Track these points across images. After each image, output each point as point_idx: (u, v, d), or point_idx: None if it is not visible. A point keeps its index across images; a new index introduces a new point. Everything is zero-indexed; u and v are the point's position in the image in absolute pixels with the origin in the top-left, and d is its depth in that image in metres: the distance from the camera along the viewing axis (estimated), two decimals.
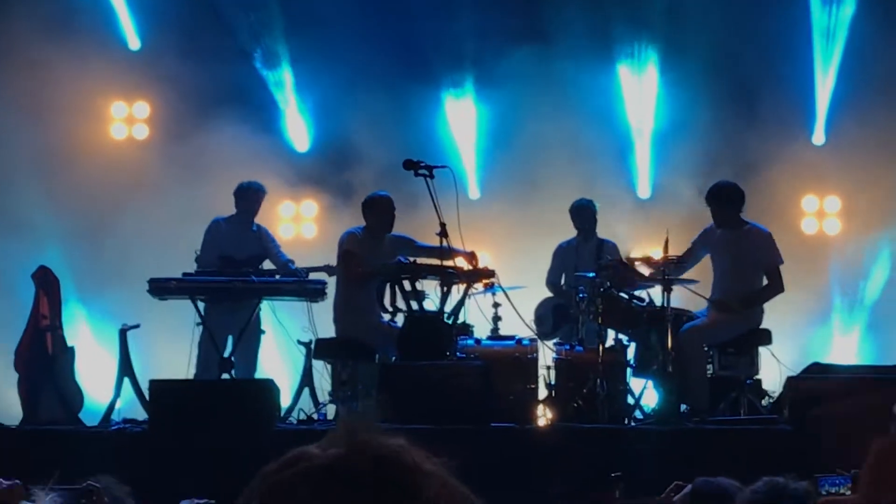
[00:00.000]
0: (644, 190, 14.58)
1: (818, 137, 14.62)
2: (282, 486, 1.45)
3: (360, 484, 1.43)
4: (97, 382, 12.16)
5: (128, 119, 14.82)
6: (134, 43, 14.78)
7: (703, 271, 11.11)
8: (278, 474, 1.47)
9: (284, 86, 14.73)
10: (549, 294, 12.19)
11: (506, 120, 14.49)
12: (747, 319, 10.61)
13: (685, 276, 10.86)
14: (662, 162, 14.56)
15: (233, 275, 11.42)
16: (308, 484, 1.44)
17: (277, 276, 11.67)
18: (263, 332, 11.86)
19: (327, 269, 11.71)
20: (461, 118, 14.74)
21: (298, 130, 14.81)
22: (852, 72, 14.36)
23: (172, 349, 12.07)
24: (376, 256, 10.88)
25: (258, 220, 12.25)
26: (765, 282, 10.77)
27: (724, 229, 10.81)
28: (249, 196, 12.07)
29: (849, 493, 4.77)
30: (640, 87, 14.65)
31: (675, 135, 14.42)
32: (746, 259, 10.67)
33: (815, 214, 14.69)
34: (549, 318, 11.92)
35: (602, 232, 12.40)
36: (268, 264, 11.95)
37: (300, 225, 14.62)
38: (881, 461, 1.18)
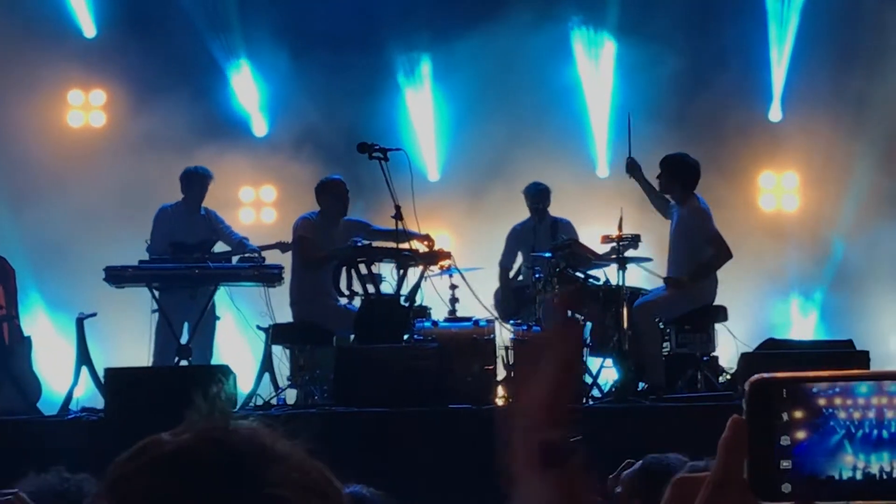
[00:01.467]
0: (602, 169, 14.64)
1: (775, 114, 14.69)
2: (128, 475, 1.44)
3: (205, 468, 1.42)
4: (55, 372, 12.13)
5: (84, 107, 14.79)
6: (89, 30, 14.73)
7: (657, 250, 11.15)
8: (126, 464, 1.46)
9: (241, 71, 14.71)
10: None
11: (464, 102, 14.51)
12: (698, 294, 10.65)
13: (639, 253, 10.88)
14: (620, 141, 14.58)
15: (189, 261, 11.40)
16: (153, 471, 1.43)
17: (234, 261, 11.65)
18: (219, 318, 11.86)
19: (280, 245, 11.75)
20: (419, 101, 14.76)
21: (256, 116, 14.80)
22: (807, 47, 14.42)
23: (131, 337, 12.05)
24: (331, 241, 10.90)
25: (206, 204, 12.19)
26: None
27: (675, 204, 10.85)
28: (195, 181, 11.99)
29: None
30: (597, 68, 14.69)
31: (633, 114, 14.45)
32: (687, 233, 10.71)
33: (773, 191, 14.77)
34: (511, 301, 11.95)
35: (560, 211, 12.41)
36: (220, 247, 11.94)
37: (260, 210, 14.64)
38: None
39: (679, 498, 1.39)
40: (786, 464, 1.33)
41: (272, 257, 11.74)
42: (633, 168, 11.13)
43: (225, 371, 9.64)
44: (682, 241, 10.76)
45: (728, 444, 1.35)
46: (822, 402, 1.33)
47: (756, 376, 1.34)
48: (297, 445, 1.46)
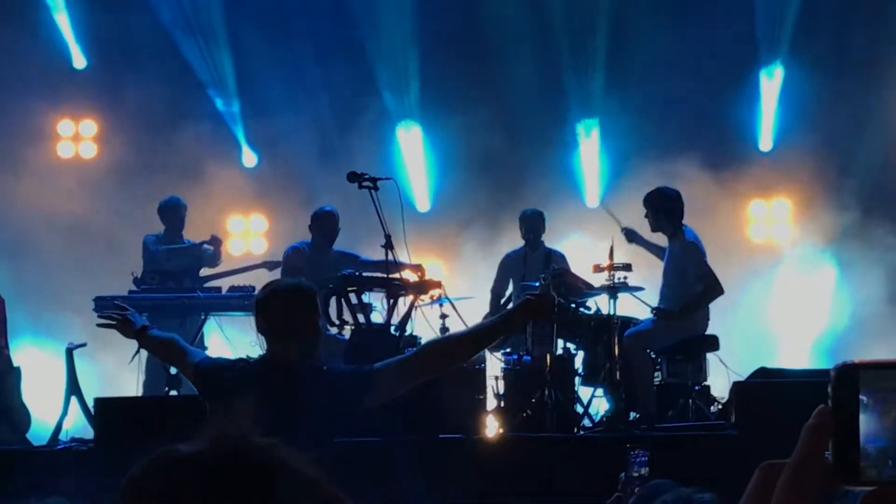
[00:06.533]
0: (592, 199, 14.64)
1: (765, 144, 14.71)
2: (141, 481, 1.44)
3: (218, 477, 1.41)
4: (45, 402, 12.06)
5: (74, 137, 14.77)
6: (79, 62, 14.72)
7: (649, 279, 11.13)
8: (140, 470, 1.46)
9: (231, 101, 14.71)
10: None
11: (455, 134, 14.51)
12: (690, 325, 10.62)
13: (630, 282, 10.86)
14: (610, 172, 14.62)
15: (178, 291, 11.40)
16: (166, 477, 1.43)
17: (224, 291, 11.65)
18: (206, 348, 11.81)
19: (267, 265, 11.79)
20: (409, 133, 14.77)
21: (245, 146, 14.80)
22: (797, 77, 14.45)
23: (121, 367, 12.00)
24: (320, 271, 10.87)
25: (198, 235, 12.26)
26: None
27: (668, 238, 10.83)
28: (172, 212, 12.14)
29: None
30: (586, 97, 14.72)
31: (622, 145, 14.48)
32: (679, 267, 10.69)
33: (763, 220, 14.78)
34: None
35: (550, 240, 12.41)
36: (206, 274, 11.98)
37: (249, 240, 14.62)
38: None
39: (763, 482, 1.40)
40: (871, 448, 1.33)
41: (261, 277, 11.73)
42: (631, 237, 11.15)
43: None
44: (673, 275, 10.73)
45: (813, 428, 1.36)
46: None
47: (842, 362, 1.36)
48: (310, 464, 1.47)
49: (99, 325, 5.87)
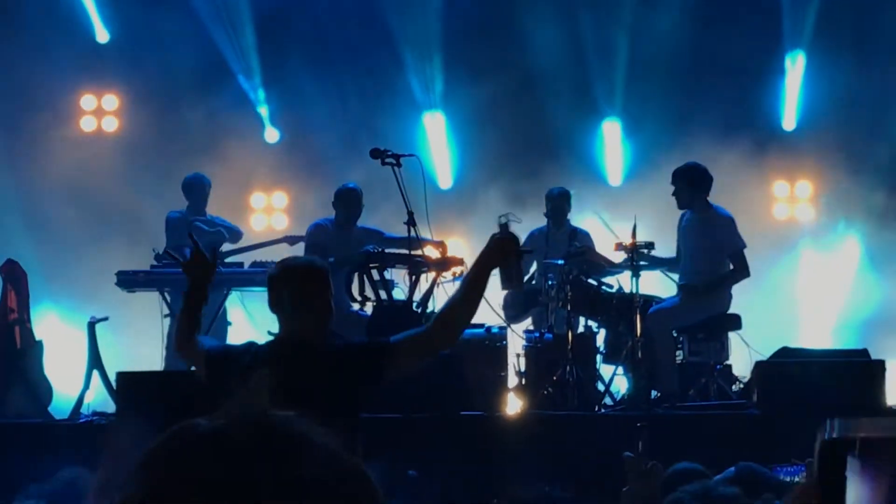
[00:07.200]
0: (615, 178, 14.61)
1: (788, 123, 14.64)
2: (160, 457, 1.42)
3: (239, 451, 1.40)
4: (67, 376, 12.11)
5: (97, 111, 14.78)
6: (102, 36, 14.72)
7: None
8: (157, 446, 1.44)
9: (253, 78, 14.68)
10: None
11: (477, 111, 14.47)
12: (713, 304, 10.60)
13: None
14: (633, 150, 14.58)
15: None
16: (186, 452, 1.41)
17: (246, 266, 11.66)
18: (230, 323, 11.84)
19: (288, 239, 11.79)
20: (432, 109, 14.74)
21: (269, 122, 14.79)
22: (822, 57, 14.37)
23: (143, 341, 12.04)
24: (344, 247, 10.88)
25: (219, 210, 12.26)
26: (730, 266, 10.75)
27: (691, 213, 10.79)
28: (195, 188, 12.13)
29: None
30: (610, 77, 14.68)
31: (645, 125, 14.44)
32: (710, 243, 10.65)
33: (787, 200, 14.73)
34: (518, 302, 11.89)
35: (572, 219, 12.38)
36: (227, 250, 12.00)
37: (271, 216, 14.63)
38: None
39: None
40: None
41: (283, 252, 11.73)
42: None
43: None
44: (701, 248, 10.66)
45: (799, 491, 1.34)
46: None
47: (827, 437, 1.33)
48: (332, 437, 1.45)
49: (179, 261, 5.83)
